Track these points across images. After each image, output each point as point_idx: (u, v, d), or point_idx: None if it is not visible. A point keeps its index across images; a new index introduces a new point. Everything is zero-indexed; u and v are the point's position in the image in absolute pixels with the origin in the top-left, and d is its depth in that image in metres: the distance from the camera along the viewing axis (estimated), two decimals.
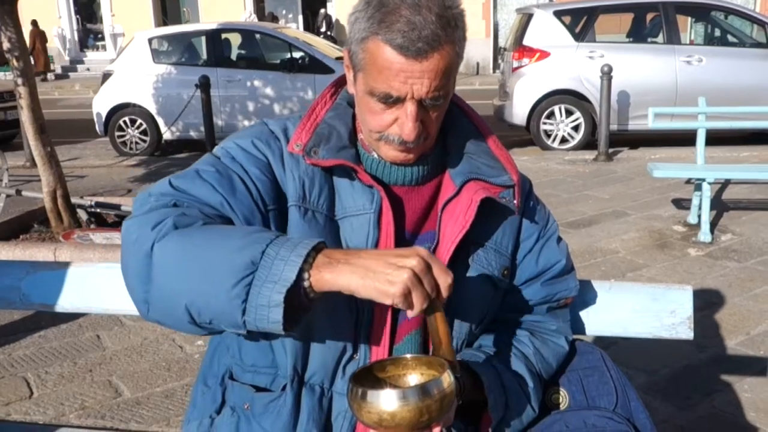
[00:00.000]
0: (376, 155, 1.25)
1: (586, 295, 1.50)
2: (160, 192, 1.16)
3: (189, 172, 1.20)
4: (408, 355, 1.14)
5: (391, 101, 1.14)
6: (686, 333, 1.48)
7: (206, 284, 1.01)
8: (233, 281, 0.99)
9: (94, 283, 1.65)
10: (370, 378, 1.09)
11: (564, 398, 1.37)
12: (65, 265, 1.68)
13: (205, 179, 1.17)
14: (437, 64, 1.11)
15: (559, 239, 1.38)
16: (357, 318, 1.21)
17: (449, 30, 1.11)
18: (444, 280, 1.01)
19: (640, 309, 1.50)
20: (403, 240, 1.26)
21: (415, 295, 0.98)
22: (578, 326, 1.51)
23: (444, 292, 1.02)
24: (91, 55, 22.47)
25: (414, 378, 1.11)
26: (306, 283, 1.00)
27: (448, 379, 1.02)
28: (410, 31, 1.08)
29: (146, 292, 1.07)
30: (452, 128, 1.32)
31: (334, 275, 0.98)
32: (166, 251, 1.05)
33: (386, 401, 0.99)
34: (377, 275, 0.97)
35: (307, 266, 0.99)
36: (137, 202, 1.16)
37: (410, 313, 1.00)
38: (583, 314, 1.51)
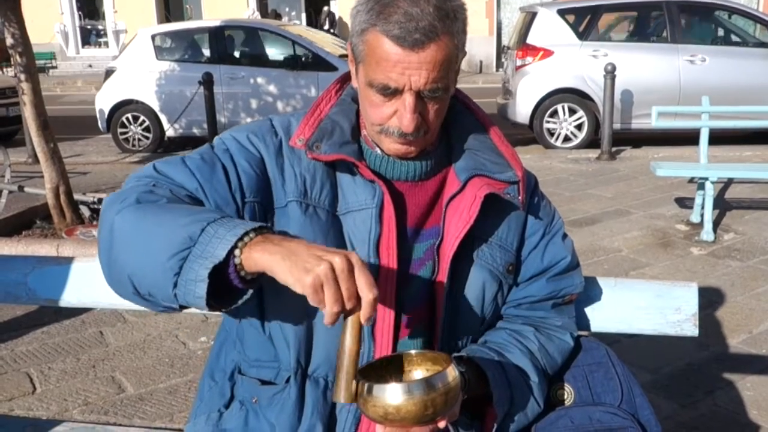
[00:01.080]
0: (379, 151, 1.26)
1: (591, 292, 1.50)
2: (143, 174, 1.20)
3: (175, 158, 1.23)
4: (413, 351, 1.15)
5: (389, 93, 1.15)
6: (691, 330, 1.48)
7: (147, 256, 1.04)
8: (170, 254, 1.01)
9: (100, 277, 1.63)
10: (375, 373, 1.09)
11: (569, 394, 1.37)
12: (71, 260, 1.68)
13: (187, 165, 1.20)
14: (435, 56, 1.11)
15: (565, 235, 1.38)
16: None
17: (447, 22, 1.12)
18: (366, 293, 0.96)
19: (645, 306, 1.50)
20: (405, 235, 1.26)
21: (326, 292, 0.95)
22: (583, 322, 1.51)
23: (365, 308, 0.97)
24: (93, 52, 22.48)
25: (419, 373, 1.12)
26: (237, 260, 1.00)
27: (452, 373, 1.02)
28: (407, 22, 1.09)
29: (107, 263, 1.12)
30: (456, 124, 1.32)
31: (261, 255, 0.99)
32: (122, 222, 1.09)
33: (392, 395, 0.99)
34: (296, 261, 0.96)
35: (241, 245, 1.00)
36: (124, 183, 1.21)
37: (325, 319, 0.97)
38: (588, 311, 1.51)
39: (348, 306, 0.97)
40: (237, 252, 1.00)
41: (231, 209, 1.18)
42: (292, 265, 0.96)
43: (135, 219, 1.08)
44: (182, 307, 1.07)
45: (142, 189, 1.13)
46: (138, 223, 1.07)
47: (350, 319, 0.99)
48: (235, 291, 1.05)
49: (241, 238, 1.00)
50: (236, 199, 1.19)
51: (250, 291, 1.07)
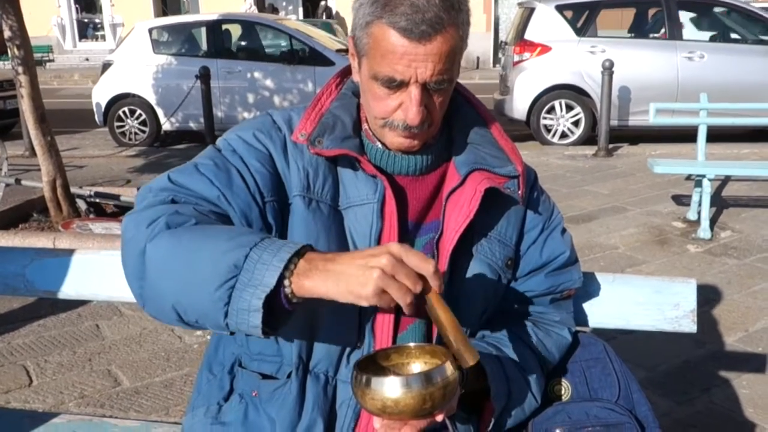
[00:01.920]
0: (380, 145, 1.25)
1: (589, 287, 1.50)
2: (159, 187, 1.17)
3: (188, 166, 1.21)
4: (411, 344, 1.15)
5: (395, 85, 1.14)
6: (689, 326, 1.49)
7: (192, 286, 1.03)
8: (217, 284, 1.00)
9: (98, 270, 1.65)
10: (373, 366, 1.09)
11: (566, 389, 1.37)
12: (70, 252, 1.68)
13: (203, 173, 1.18)
14: (441, 47, 1.11)
15: (564, 230, 1.38)
16: (361, 307, 1.21)
17: (453, 13, 1.11)
18: (425, 268, 0.99)
19: (644, 301, 1.50)
20: (406, 229, 1.26)
21: (391, 291, 0.96)
22: (581, 318, 1.51)
23: (431, 281, 1.00)
24: (90, 45, 22.41)
25: (417, 366, 1.12)
26: (287, 290, 1.00)
27: (451, 367, 1.02)
28: (414, 14, 1.08)
29: (141, 288, 1.09)
30: (457, 118, 1.32)
31: (312, 283, 0.99)
32: (157, 251, 1.06)
33: (390, 388, 0.99)
34: (350, 279, 0.97)
35: (288, 272, 0.99)
36: (139, 197, 1.18)
37: (406, 312, 0.99)
38: (587, 306, 1.51)
39: (417, 290, 0.98)
40: (286, 282, 0.99)
41: (254, 213, 1.17)
42: (347, 285, 0.97)
43: (171, 247, 1.05)
44: (232, 333, 1.06)
45: (167, 210, 1.10)
46: (175, 252, 1.05)
47: (429, 298, 1.01)
48: (280, 313, 1.03)
49: (287, 265, 0.99)
50: (257, 201, 1.18)
51: (295, 312, 1.05)
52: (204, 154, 1.24)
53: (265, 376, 1.28)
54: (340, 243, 1.22)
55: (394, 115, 1.18)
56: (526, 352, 1.31)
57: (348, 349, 1.24)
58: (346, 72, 1.31)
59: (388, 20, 1.10)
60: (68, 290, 1.64)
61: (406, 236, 1.26)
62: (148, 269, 1.07)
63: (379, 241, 1.21)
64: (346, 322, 1.22)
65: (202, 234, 1.06)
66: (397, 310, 1.23)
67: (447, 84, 1.16)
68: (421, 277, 0.99)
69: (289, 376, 1.25)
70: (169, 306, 1.06)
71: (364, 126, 1.28)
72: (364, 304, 0.97)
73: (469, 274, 1.28)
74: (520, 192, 1.27)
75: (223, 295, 1.00)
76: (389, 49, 1.11)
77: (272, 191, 1.20)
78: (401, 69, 1.12)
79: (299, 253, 1.01)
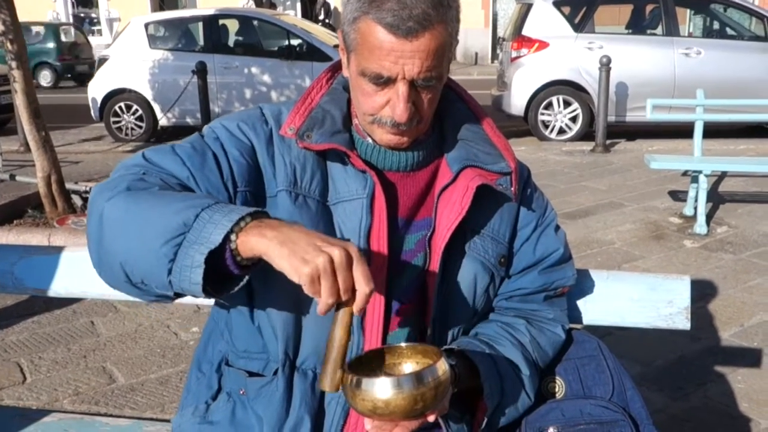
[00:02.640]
0: (370, 140, 1.24)
1: (583, 284, 1.50)
2: (133, 163, 1.17)
3: (165, 146, 1.21)
4: (403, 344, 1.13)
5: (382, 82, 1.13)
6: (683, 323, 1.48)
7: (140, 242, 1.02)
8: (163, 240, 0.99)
9: (88, 267, 1.61)
10: (364, 366, 1.08)
11: (560, 387, 1.36)
12: (59, 249, 1.67)
13: (178, 153, 1.18)
14: (428, 44, 1.10)
15: (557, 228, 1.37)
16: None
17: (441, 9, 1.10)
18: (362, 287, 0.96)
19: (638, 298, 1.49)
20: (396, 226, 1.25)
21: (323, 284, 0.94)
22: (575, 315, 1.50)
23: (359, 300, 0.96)
24: None
25: (409, 366, 1.11)
26: (232, 245, 0.99)
27: (442, 367, 1.01)
28: (401, 10, 1.07)
29: (98, 253, 1.09)
30: (449, 114, 1.31)
31: (257, 239, 0.97)
32: (113, 210, 1.06)
33: (381, 389, 0.98)
34: (296, 249, 0.95)
35: (237, 229, 0.98)
36: (113, 172, 1.18)
37: (319, 308, 0.96)
38: (581, 303, 1.50)
39: (344, 298, 0.96)
40: (233, 237, 0.98)
41: (223, 198, 1.16)
42: (290, 253, 0.94)
43: (126, 206, 1.05)
44: (177, 295, 1.04)
45: (133, 177, 1.11)
46: (129, 210, 1.05)
47: (343, 310, 0.98)
48: (231, 277, 1.03)
49: (237, 223, 0.98)
50: (228, 188, 1.17)
51: (246, 277, 1.04)
52: (186, 139, 1.24)
53: (251, 374, 1.27)
54: None
55: (381, 111, 1.16)
56: (519, 350, 1.30)
57: None
58: (337, 67, 1.30)
59: (375, 16, 1.09)
60: (57, 288, 1.63)
61: (397, 233, 1.24)
62: (104, 228, 1.06)
63: (368, 237, 1.20)
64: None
65: (159, 196, 1.06)
66: (387, 308, 1.23)
67: (435, 81, 1.15)
68: (352, 291, 0.97)
69: (275, 373, 1.24)
70: (117, 265, 1.05)
71: (354, 121, 1.27)
72: (295, 279, 0.94)
73: (462, 271, 1.27)
74: (512, 189, 1.26)
75: (169, 252, 0.99)
76: (376, 45, 1.10)
77: (247, 182, 1.19)
78: (388, 65, 1.11)
79: (253, 215, 1.00)
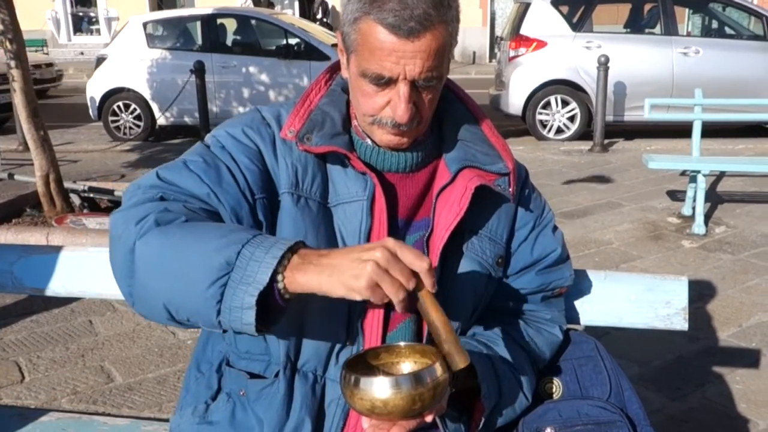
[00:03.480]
0: (369, 142, 1.24)
1: (581, 285, 1.50)
2: (148, 184, 1.16)
3: (177, 163, 1.20)
4: (402, 343, 1.14)
5: (383, 82, 1.13)
6: (681, 324, 1.48)
7: (183, 284, 1.01)
8: (208, 282, 0.99)
9: (87, 267, 1.64)
10: (363, 365, 1.08)
11: (557, 387, 1.37)
12: (58, 249, 1.67)
13: (192, 170, 1.17)
14: (430, 44, 1.10)
15: (555, 228, 1.37)
16: (350, 305, 1.20)
17: (442, 10, 1.10)
18: (419, 265, 0.97)
19: (635, 299, 1.50)
20: (396, 227, 1.25)
21: (384, 286, 0.95)
22: (573, 316, 1.50)
23: (424, 279, 0.98)
24: (84, 39, 22.31)
25: (407, 366, 1.11)
26: (280, 285, 0.99)
27: (441, 367, 1.01)
28: (402, 10, 1.07)
29: (130, 287, 1.08)
30: (447, 115, 1.31)
31: (306, 278, 0.98)
32: (147, 249, 1.05)
33: (379, 389, 0.98)
34: (343, 272, 0.96)
35: (282, 268, 0.98)
36: (127, 194, 1.17)
37: (397, 309, 0.98)
38: (578, 304, 1.51)
39: (410, 287, 0.97)
40: (279, 277, 0.98)
41: (244, 210, 1.16)
42: (340, 278, 0.95)
43: (160, 245, 1.04)
44: (224, 331, 1.06)
45: (156, 208, 1.09)
46: (165, 250, 1.04)
47: (421, 296, 1.00)
48: (275, 309, 1.03)
49: (280, 261, 0.98)
50: (247, 198, 1.17)
51: (288, 308, 1.04)
52: (193, 151, 1.23)
53: (252, 375, 1.27)
54: (329, 240, 1.21)
55: (382, 112, 1.17)
56: (516, 351, 1.31)
57: (337, 348, 1.23)
58: (336, 68, 1.30)
59: (376, 16, 1.09)
60: (56, 287, 1.63)
61: (396, 234, 1.25)
62: (138, 267, 1.05)
63: (368, 239, 1.20)
64: (335, 320, 1.22)
65: (193, 231, 1.05)
66: (387, 309, 1.23)
67: (436, 81, 1.15)
68: (415, 275, 0.98)
69: (276, 375, 1.24)
70: (160, 305, 1.05)
71: (354, 122, 1.27)
72: (357, 297, 0.95)
73: (460, 271, 1.27)
74: (510, 189, 1.26)
75: (216, 293, 0.98)
76: (377, 45, 1.10)
77: (262, 188, 1.19)
78: (389, 66, 1.11)
79: (292, 249, 1.00)
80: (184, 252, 1.02)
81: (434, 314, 1.01)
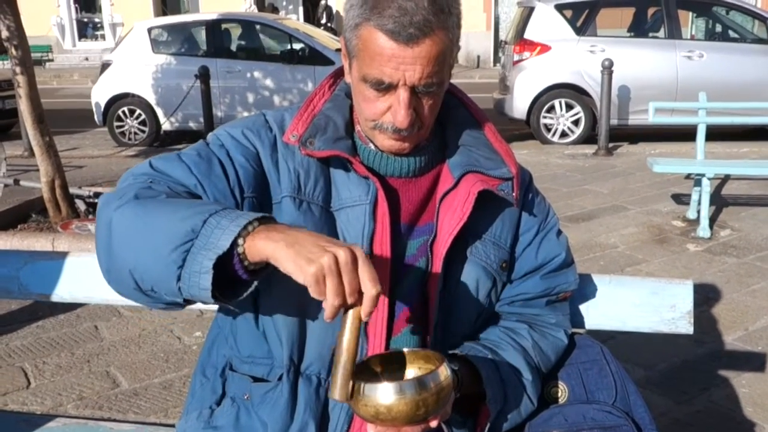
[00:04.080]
0: (372, 146, 1.25)
1: (585, 289, 1.50)
2: (140, 172, 1.18)
3: (172, 154, 1.21)
4: (405, 349, 1.14)
5: (383, 88, 1.14)
6: (686, 328, 1.48)
7: (148, 249, 1.03)
8: (172, 247, 1.00)
9: (93, 272, 1.63)
10: (367, 371, 1.08)
11: (563, 392, 1.36)
12: (64, 254, 1.67)
13: (184, 161, 1.18)
14: (429, 51, 1.10)
15: (559, 232, 1.37)
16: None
17: (442, 16, 1.11)
18: (369, 288, 0.95)
19: (640, 303, 1.49)
20: (399, 231, 1.25)
21: (328, 284, 0.94)
22: (577, 320, 1.50)
23: (365, 303, 0.95)
24: (89, 45, 22.40)
25: (411, 372, 1.11)
26: (240, 249, 0.99)
27: (445, 372, 1.01)
28: (401, 16, 1.08)
29: (107, 261, 1.10)
30: (450, 120, 1.31)
31: (264, 243, 0.97)
32: (122, 218, 1.07)
33: (383, 394, 0.98)
34: (301, 250, 0.95)
35: (245, 234, 0.99)
36: (120, 181, 1.18)
37: (326, 313, 0.95)
38: (583, 308, 1.51)
39: (350, 300, 0.96)
40: (240, 241, 0.99)
41: (229, 204, 1.16)
42: (295, 253, 0.95)
43: (134, 214, 1.06)
44: (186, 302, 1.05)
45: (140, 186, 1.12)
46: (137, 218, 1.05)
47: (350, 314, 0.97)
48: (239, 283, 1.04)
49: (244, 228, 0.99)
50: (235, 194, 1.18)
51: (255, 282, 1.05)
52: (191, 146, 1.25)
53: (256, 379, 1.27)
54: None
55: (383, 117, 1.17)
56: (521, 355, 1.31)
57: None
58: (340, 73, 1.31)
59: (376, 22, 1.10)
60: (62, 293, 1.64)
61: (399, 238, 1.25)
62: (113, 237, 1.07)
63: (371, 243, 1.21)
64: (338, 323, 1.21)
65: (166, 204, 1.07)
66: (390, 313, 1.23)
67: (436, 87, 1.15)
68: (360, 294, 0.96)
69: (280, 378, 1.24)
70: (126, 273, 1.06)
71: (357, 127, 1.27)
72: (300, 279, 0.94)
73: (464, 277, 1.27)
74: (514, 194, 1.26)
75: (178, 258, 0.99)
76: (377, 51, 1.11)
77: (254, 188, 1.20)
78: (389, 72, 1.11)
79: (261, 220, 1.01)
80: (154, 220, 1.04)
81: (350, 338, 0.98)
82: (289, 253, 0.95)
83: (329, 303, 0.95)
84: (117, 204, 1.08)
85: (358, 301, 0.96)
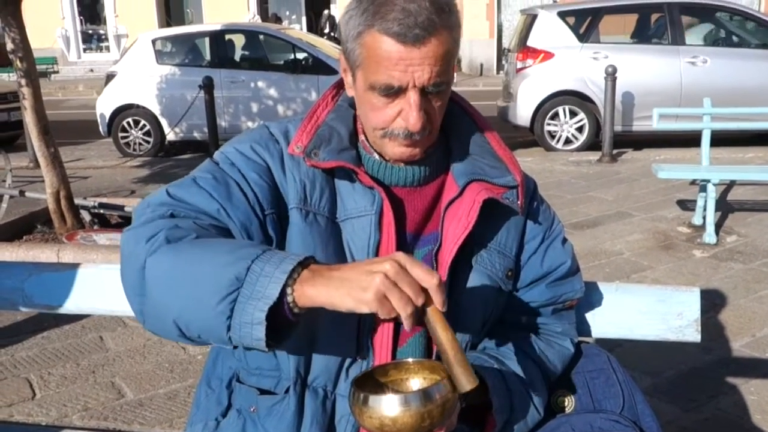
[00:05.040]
0: (377, 156, 1.25)
1: (591, 297, 1.49)
2: (158, 202, 1.16)
3: (186, 180, 1.20)
4: (410, 360, 1.13)
5: (392, 92, 1.13)
6: (693, 335, 1.47)
7: (193, 300, 1.01)
8: (218, 298, 0.99)
9: (98, 284, 1.64)
10: (371, 383, 1.07)
11: (570, 401, 1.36)
12: (69, 266, 1.67)
13: (202, 187, 1.17)
14: (436, 50, 1.10)
15: (565, 240, 1.37)
16: (360, 320, 1.20)
17: (444, 15, 1.11)
18: (429, 281, 0.96)
19: (647, 311, 1.48)
20: (405, 241, 1.25)
21: (392, 299, 0.94)
22: (584, 328, 1.49)
23: (433, 295, 0.97)
24: (94, 56, 22.50)
25: (416, 382, 1.10)
26: (289, 299, 0.98)
27: (450, 383, 1.01)
28: (406, 18, 1.08)
29: (141, 304, 1.08)
30: (454, 128, 1.31)
31: (315, 290, 0.97)
32: (157, 266, 1.05)
33: (388, 406, 0.98)
34: (352, 285, 0.95)
35: (291, 282, 0.98)
36: (136, 212, 1.17)
37: (405, 325, 0.96)
38: (589, 316, 1.50)
39: (419, 302, 0.96)
40: (289, 290, 0.98)
41: (254, 225, 1.16)
42: (348, 290, 0.95)
43: (171, 262, 1.04)
44: (235, 347, 1.05)
45: (167, 225, 1.09)
46: (176, 267, 1.04)
47: (429, 312, 0.98)
48: (285, 324, 1.02)
49: (290, 275, 0.98)
50: (257, 214, 1.17)
51: (300, 324, 1.04)
52: (202, 168, 1.23)
53: (263, 391, 1.27)
54: (338, 255, 1.21)
55: (393, 123, 1.17)
56: (528, 364, 1.30)
57: (347, 363, 1.23)
58: (342, 83, 1.31)
59: (381, 27, 1.10)
60: (67, 305, 1.64)
61: (405, 248, 1.24)
62: (149, 285, 1.06)
63: (377, 253, 1.20)
64: (345, 336, 1.21)
65: (203, 248, 1.05)
66: (396, 324, 1.22)
67: (445, 86, 1.15)
68: (424, 291, 0.97)
69: (287, 391, 1.24)
70: (170, 321, 1.05)
71: (361, 137, 1.27)
72: (365, 309, 0.95)
73: (470, 285, 1.27)
74: (519, 202, 1.26)
75: (225, 309, 0.98)
76: (384, 56, 1.11)
77: (271, 204, 1.20)
78: (398, 75, 1.11)
79: (302, 264, 1.00)
80: (194, 268, 1.02)
81: (441, 332, 0.99)
82: (342, 293, 0.95)
83: (402, 314, 0.95)
84: (148, 249, 1.06)
85: (428, 298, 0.97)
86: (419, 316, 0.98)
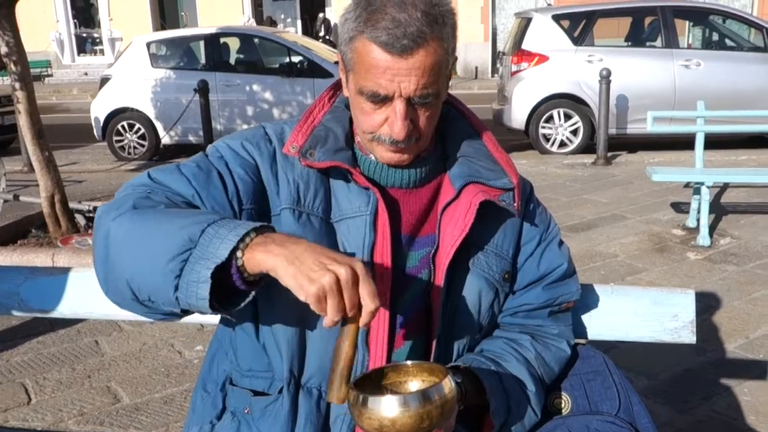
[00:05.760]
0: (373, 157, 1.25)
1: (587, 299, 1.50)
2: (138, 183, 1.18)
3: (171, 166, 1.22)
4: (409, 362, 1.13)
5: (379, 100, 1.14)
6: (689, 337, 1.48)
7: (146, 259, 1.02)
8: (170, 256, 0.99)
9: (93, 288, 1.63)
10: (370, 384, 1.08)
11: (566, 403, 1.36)
12: (64, 270, 1.67)
13: (183, 173, 1.19)
14: (423, 61, 1.11)
15: (561, 243, 1.37)
16: None
17: (436, 27, 1.11)
18: (369, 305, 0.96)
19: (642, 313, 1.49)
20: (400, 242, 1.25)
21: (329, 302, 0.95)
22: (580, 330, 1.50)
23: (364, 317, 0.97)
24: (88, 60, 22.46)
25: (415, 385, 1.11)
26: (239, 262, 0.99)
27: (449, 384, 1.01)
28: (395, 28, 1.09)
29: (104, 271, 1.09)
30: (451, 131, 1.31)
31: (265, 256, 0.97)
32: (119, 228, 1.06)
33: (387, 407, 0.98)
34: (303, 267, 0.95)
35: (243, 246, 0.99)
36: (118, 192, 1.18)
37: (324, 322, 0.96)
38: (585, 318, 1.50)
39: (349, 314, 0.97)
40: (239, 253, 0.98)
41: (227, 215, 1.16)
42: (296, 271, 0.95)
43: (132, 223, 1.06)
44: (184, 312, 1.04)
45: (138, 196, 1.12)
46: (135, 228, 1.05)
47: (349, 325, 0.99)
48: (237, 293, 1.03)
49: (242, 239, 0.98)
50: (233, 206, 1.18)
51: (253, 293, 1.05)
52: (191, 158, 1.25)
53: (256, 393, 1.27)
54: None
55: (380, 129, 1.17)
56: (524, 366, 1.30)
57: None
58: (339, 85, 1.31)
59: (370, 35, 1.10)
60: (62, 309, 1.63)
61: (400, 249, 1.25)
62: (111, 246, 1.07)
63: (372, 254, 1.21)
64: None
65: (164, 213, 1.07)
66: (392, 325, 1.23)
67: (432, 98, 1.15)
68: (359, 308, 0.97)
69: (280, 391, 1.24)
70: (124, 283, 1.05)
71: (357, 138, 1.28)
72: (301, 297, 0.95)
73: (466, 288, 1.27)
74: (515, 204, 1.26)
75: (175, 268, 0.99)
76: (372, 63, 1.11)
77: (252, 200, 1.20)
78: (384, 83, 1.12)
79: (258, 230, 1.01)
80: (151, 230, 1.03)
81: (347, 347, 1.00)
82: (290, 270, 0.95)
83: (329, 318, 0.96)
84: (115, 214, 1.08)
85: (358, 313, 0.97)
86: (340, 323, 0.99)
